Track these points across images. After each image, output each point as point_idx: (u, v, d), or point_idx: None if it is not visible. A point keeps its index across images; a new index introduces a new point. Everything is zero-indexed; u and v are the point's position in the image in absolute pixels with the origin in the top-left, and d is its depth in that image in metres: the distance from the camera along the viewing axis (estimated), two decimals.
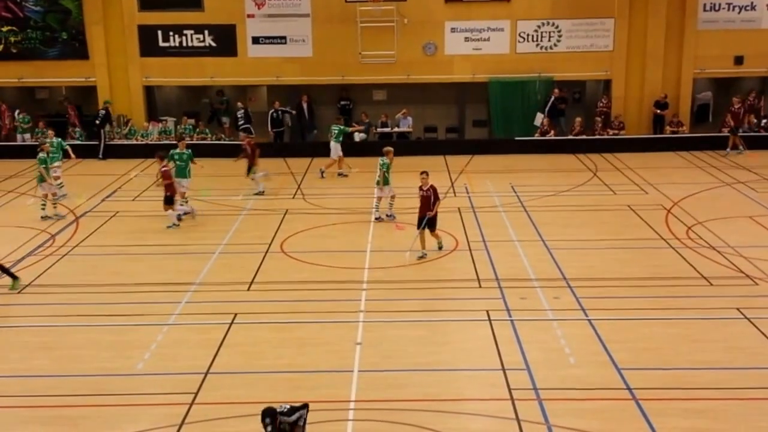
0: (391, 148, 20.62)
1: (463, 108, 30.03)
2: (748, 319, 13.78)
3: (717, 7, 28.57)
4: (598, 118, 28.92)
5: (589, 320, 13.96)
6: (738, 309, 14.21)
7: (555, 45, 28.90)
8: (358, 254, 17.65)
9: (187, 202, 20.78)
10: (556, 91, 28.82)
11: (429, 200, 17.18)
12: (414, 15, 28.58)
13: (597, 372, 12.13)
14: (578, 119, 28.58)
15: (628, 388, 11.60)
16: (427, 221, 17.14)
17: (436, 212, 17.30)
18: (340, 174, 25.27)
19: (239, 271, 16.76)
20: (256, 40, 29.29)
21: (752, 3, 28.54)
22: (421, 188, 17.35)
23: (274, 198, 22.72)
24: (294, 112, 29.67)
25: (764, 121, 28.71)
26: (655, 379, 11.85)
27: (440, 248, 17.67)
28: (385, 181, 19.98)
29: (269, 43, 29.25)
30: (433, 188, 17.30)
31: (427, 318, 14.24)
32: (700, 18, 28.56)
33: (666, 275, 16.03)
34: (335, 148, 25.13)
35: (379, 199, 20.28)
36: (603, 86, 29.65)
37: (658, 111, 28.65)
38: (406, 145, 28.61)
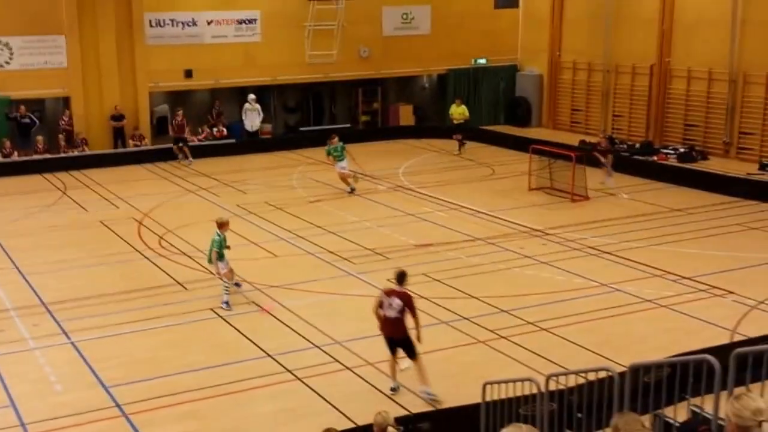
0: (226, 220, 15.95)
1: None
2: (222, 318, 14.74)
3: (162, 23, 29.76)
4: (62, 136, 28.30)
5: (72, 343, 13.74)
6: (212, 309, 15.14)
7: (8, 62, 27.61)
8: None
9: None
10: (23, 108, 27.56)
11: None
12: None
13: (86, 395, 12.00)
14: (41, 138, 27.68)
15: (118, 405, 11.66)
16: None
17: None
18: None
19: None
20: None
21: (194, 19, 30.23)
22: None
23: None
24: None
25: (215, 129, 30.60)
26: (144, 391, 12.07)
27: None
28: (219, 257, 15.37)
29: None
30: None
31: None
32: (148, 34, 29.44)
33: (143, 286, 16.37)
34: None
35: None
36: (63, 103, 29.08)
37: (115, 123, 29.01)
38: None
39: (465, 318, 14.57)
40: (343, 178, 23.63)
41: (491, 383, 10.04)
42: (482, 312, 14.87)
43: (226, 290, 15.32)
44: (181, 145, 28.31)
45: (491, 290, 15.98)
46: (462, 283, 16.28)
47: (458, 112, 29.18)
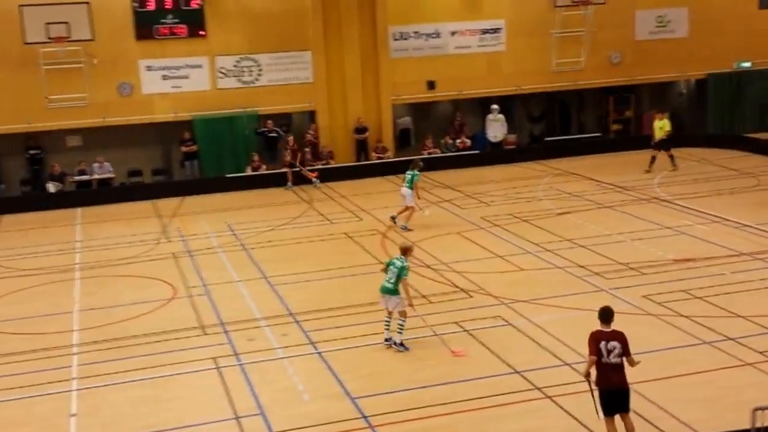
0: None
1: (169, 148, 29.04)
2: (467, 331, 14.20)
3: (406, 36, 29.93)
4: (308, 149, 29.12)
5: (319, 353, 13.72)
6: (456, 323, 14.62)
7: (257, 79, 28.80)
8: (64, 316, 16.19)
9: None
10: (270, 123, 28.71)
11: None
12: (104, 54, 27.06)
13: (332, 405, 11.88)
14: (288, 151, 28.60)
15: (364, 417, 11.44)
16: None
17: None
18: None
19: None
20: None
21: (437, 31, 30.19)
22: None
23: None
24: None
25: (458, 141, 30.30)
26: (389, 403, 11.79)
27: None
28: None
29: None
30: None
31: (150, 375, 13.27)
32: (392, 47, 29.70)
33: None
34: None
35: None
36: (308, 117, 29.95)
37: (358, 135, 29.38)
38: (108, 193, 27.28)
39: (729, 338, 13.41)
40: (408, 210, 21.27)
41: (762, 409, 9.47)
42: (749, 332, 13.64)
43: (402, 329, 13.73)
44: (295, 170, 27.37)
45: (759, 309, 14.61)
46: (726, 301, 15.00)
47: (658, 126, 27.03)
